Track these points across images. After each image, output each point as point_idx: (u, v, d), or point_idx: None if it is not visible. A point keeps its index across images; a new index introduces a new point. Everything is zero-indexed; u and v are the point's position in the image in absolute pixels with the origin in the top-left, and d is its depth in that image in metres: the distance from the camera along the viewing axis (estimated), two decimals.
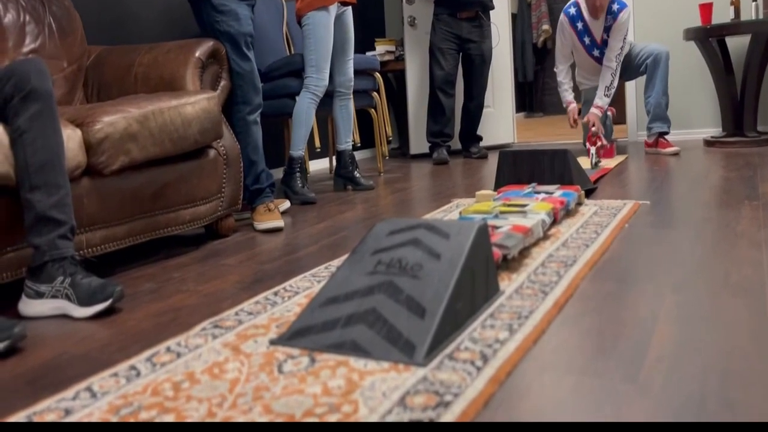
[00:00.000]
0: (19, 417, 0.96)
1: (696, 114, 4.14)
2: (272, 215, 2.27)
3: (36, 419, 0.95)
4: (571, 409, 0.88)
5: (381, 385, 0.98)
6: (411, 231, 1.38)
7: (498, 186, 2.52)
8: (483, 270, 1.33)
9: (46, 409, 0.98)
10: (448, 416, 0.87)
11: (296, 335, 1.19)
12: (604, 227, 1.90)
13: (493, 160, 3.90)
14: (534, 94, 8.22)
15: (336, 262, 1.73)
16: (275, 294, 1.48)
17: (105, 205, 1.73)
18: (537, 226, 1.76)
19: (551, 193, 2.20)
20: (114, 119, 1.74)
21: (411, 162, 4.15)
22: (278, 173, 3.71)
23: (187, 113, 1.93)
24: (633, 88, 4.21)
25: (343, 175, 3.08)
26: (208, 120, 2.00)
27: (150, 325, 1.35)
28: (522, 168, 2.50)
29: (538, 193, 2.23)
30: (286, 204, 2.63)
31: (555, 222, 1.97)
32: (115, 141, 1.72)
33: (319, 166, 4.13)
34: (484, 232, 1.35)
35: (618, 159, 3.45)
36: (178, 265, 1.85)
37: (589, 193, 2.52)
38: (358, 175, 3.07)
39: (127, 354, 1.19)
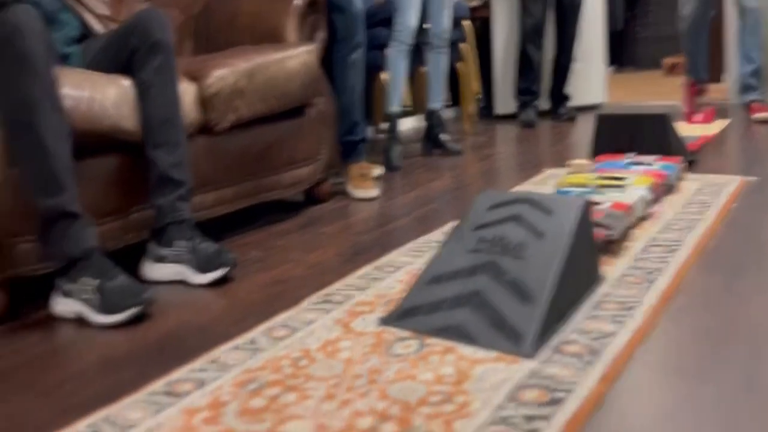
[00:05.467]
0: (158, 385, 1.05)
1: None
2: (367, 183, 2.31)
3: (174, 388, 1.04)
4: (685, 416, 0.89)
5: (491, 376, 1.01)
6: (512, 206, 1.39)
7: (595, 153, 2.46)
8: (586, 253, 1.33)
9: (181, 380, 1.07)
10: (561, 415, 0.89)
11: (404, 315, 1.23)
12: (708, 207, 1.83)
13: (582, 122, 3.78)
14: (624, 46, 7.80)
15: (430, 236, 1.76)
16: (377, 269, 1.53)
17: (216, 165, 1.82)
18: (638, 203, 1.73)
19: (651, 165, 2.14)
20: (224, 73, 1.79)
21: (497, 123, 4.08)
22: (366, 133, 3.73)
23: (290, 68, 1.97)
24: (734, 39, 3.91)
25: (432, 138, 3.07)
26: (308, 75, 2.04)
27: (261, 296, 1.43)
28: (620, 134, 2.42)
29: (637, 164, 2.16)
30: (378, 170, 2.66)
31: (656, 199, 1.92)
32: (226, 96, 1.79)
33: (408, 125, 4.12)
34: (587, 210, 1.33)
35: (719, 124, 3.28)
36: (280, 232, 1.93)
37: (690, 165, 2.42)
38: (446, 138, 3.05)
39: (243, 327, 1.27)
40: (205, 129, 1.78)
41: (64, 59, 1.55)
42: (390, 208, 2.15)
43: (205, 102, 1.76)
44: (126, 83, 1.53)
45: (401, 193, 2.35)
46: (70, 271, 1.31)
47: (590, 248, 1.36)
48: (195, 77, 1.76)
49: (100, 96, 1.47)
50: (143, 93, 1.52)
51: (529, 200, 1.40)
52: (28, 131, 1.28)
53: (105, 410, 0.98)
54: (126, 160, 1.57)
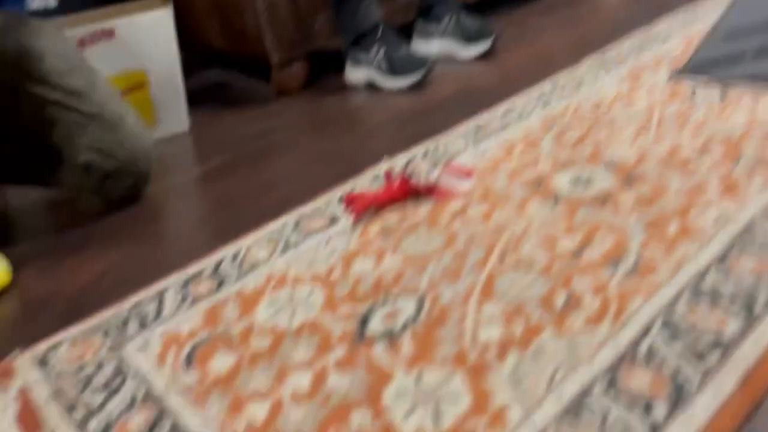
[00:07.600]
0: (465, 126, 1.15)
1: None
2: None
3: (481, 128, 1.13)
4: None
5: None
6: None
7: None
8: None
9: (485, 123, 1.15)
10: None
11: (700, 67, 1.20)
12: None
13: None
14: None
15: (693, 5, 1.64)
16: (647, 37, 1.48)
17: None
18: None
19: None
20: None
21: None
22: None
23: None
24: None
25: None
26: None
27: (530, 65, 1.46)
28: None
29: None
30: None
31: None
32: None
33: None
34: None
35: None
36: (522, 15, 1.90)
37: None
38: None
39: (522, 87, 1.31)
40: None
41: None
42: None
43: None
44: None
45: None
46: (362, 42, 1.43)
47: None
48: None
49: None
50: None
51: None
52: None
53: (428, 142, 1.11)
54: None
